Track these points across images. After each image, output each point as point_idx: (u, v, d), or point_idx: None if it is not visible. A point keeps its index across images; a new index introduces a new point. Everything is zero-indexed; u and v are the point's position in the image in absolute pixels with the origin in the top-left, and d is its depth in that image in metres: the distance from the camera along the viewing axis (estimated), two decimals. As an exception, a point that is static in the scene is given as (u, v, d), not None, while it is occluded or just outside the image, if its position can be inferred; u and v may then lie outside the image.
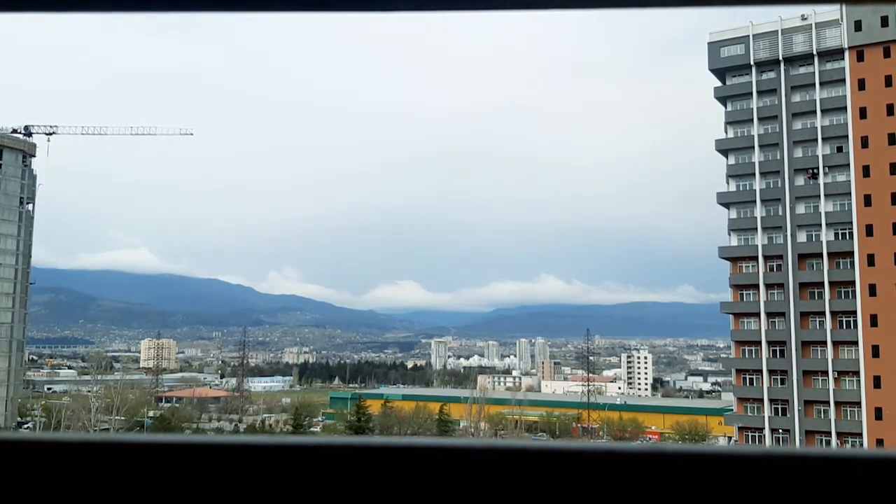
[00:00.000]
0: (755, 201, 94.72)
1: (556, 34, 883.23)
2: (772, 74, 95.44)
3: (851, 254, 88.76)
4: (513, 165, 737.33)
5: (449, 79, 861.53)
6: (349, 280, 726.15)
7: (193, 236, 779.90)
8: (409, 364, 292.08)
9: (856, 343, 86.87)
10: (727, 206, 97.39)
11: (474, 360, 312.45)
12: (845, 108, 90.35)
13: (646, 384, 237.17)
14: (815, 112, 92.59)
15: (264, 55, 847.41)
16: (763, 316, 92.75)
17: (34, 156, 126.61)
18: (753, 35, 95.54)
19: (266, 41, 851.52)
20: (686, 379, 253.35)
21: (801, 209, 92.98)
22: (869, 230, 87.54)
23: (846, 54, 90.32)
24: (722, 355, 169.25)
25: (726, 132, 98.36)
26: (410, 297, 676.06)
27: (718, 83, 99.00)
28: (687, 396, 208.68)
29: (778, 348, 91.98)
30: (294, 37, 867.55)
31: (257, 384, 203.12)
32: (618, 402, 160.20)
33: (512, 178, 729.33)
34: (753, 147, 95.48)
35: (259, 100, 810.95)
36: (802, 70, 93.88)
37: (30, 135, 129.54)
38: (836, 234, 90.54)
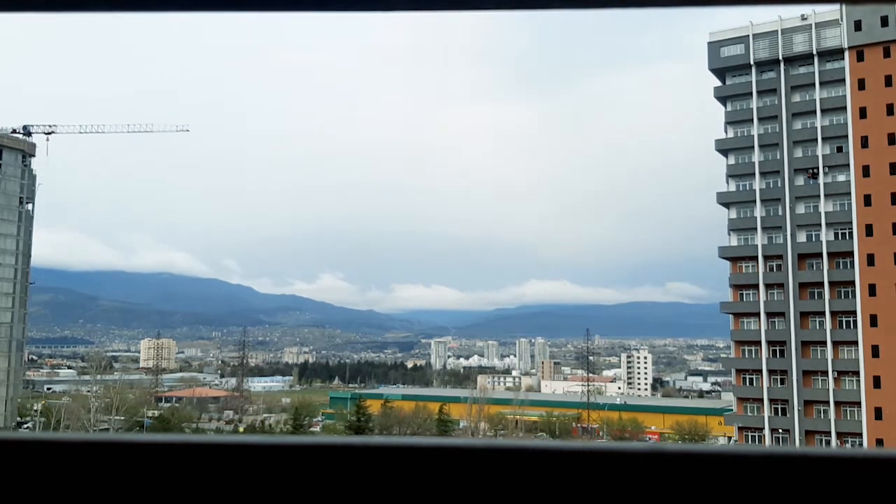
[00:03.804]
0: (755, 201, 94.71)
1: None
2: (772, 74, 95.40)
3: (851, 254, 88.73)
4: (508, 174, 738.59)
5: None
6: (351, 281, 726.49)
7: (193, 236, 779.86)
8: (409, 364, 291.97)
9: (856, 343, 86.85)
10: (727, 205, 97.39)
11: (474, 360, 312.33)
12: (845, 108, 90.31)
13: (646, 384, 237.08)
14: (815, 112, 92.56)
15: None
16: (763, 316, 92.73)
17: (34, 155, 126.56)
18: (753, 35, 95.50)
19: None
20: (686, 379, 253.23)
21: (801, 209, 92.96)
22: (869, 230, 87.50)
23: (846, 54, 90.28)
24: (722, 355, 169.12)
25: (726, 132, 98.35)
26: (411, 297, 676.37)
27: (718, 83, 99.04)
28: (687, 396, 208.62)
29: (778, 348, 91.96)
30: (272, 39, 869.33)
31: (257, 384, 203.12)
32: (618, 402, 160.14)
33: (510, 184, 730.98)
34: (753, 147, 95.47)
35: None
36: (802, 70, 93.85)
37: (29, 134, 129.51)
38: (836, 234, 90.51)
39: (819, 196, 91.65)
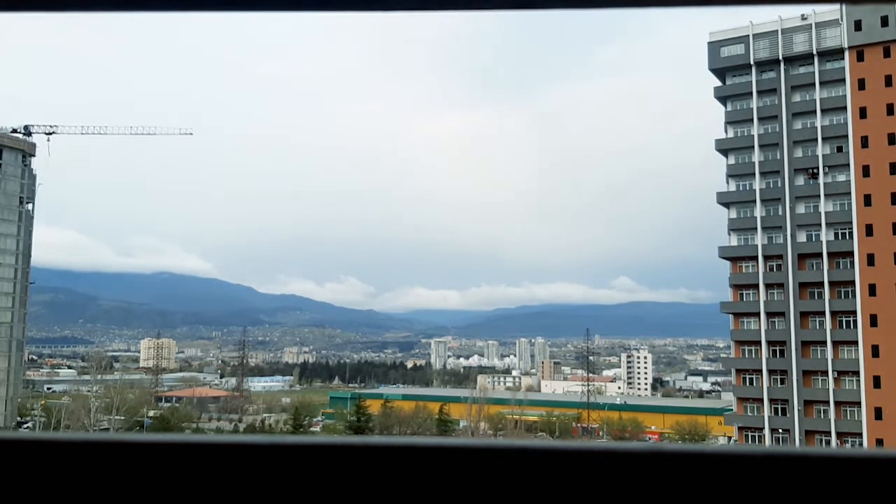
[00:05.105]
0: (755, 201, 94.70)
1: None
2: (772, 74, 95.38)
3: (851, 254, 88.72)
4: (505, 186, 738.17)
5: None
6: (352, 281, 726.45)
7: (194, 236, 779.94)
8: (409, 364, 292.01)
9: (856, 343, 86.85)
10: (727, 205, 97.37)
11: (474, 360, 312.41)
12: (845, 107, 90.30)
13: (646, 384, 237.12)
14: (815, 112, 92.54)
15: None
16: (763, 316, 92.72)
17: (34, 155, 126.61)
18: (753, 35, 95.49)
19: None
20: (686, 379, 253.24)
21: (801, 209, 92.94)
22: (869, 230, 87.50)
23: (846, 54, 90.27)
24: (722, 355, 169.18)
25: (726, 132, 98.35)
26: (411, 297, 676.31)
27: (718, 83, 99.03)
28: (687, 396, 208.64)
29: (778, 348, 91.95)
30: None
31: (257, 384, 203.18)
32: (618, 402, 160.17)
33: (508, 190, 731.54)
34: (753, 147, 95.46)
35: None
36: (802, 70, 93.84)
37: (29, 134, 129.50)
38: (836, 234, 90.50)
39: (819, 196, 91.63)
